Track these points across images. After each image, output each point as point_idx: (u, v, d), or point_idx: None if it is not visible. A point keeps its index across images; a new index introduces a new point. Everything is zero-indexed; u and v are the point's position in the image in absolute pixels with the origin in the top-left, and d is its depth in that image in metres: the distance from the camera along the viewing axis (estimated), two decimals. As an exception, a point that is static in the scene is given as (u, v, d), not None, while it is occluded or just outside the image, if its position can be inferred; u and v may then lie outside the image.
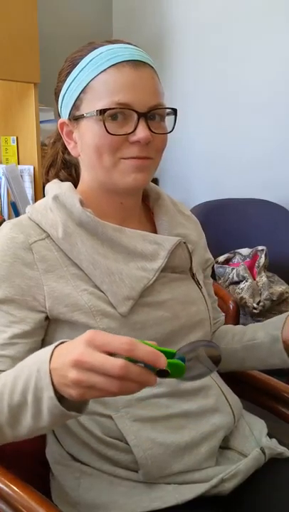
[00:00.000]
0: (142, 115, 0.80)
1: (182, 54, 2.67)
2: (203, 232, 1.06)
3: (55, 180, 0.93)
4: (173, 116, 0.87)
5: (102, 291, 0.82)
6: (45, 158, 0.98)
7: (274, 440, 0.95)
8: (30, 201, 2.18)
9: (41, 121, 2.22)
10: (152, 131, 0.81)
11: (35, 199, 2.22)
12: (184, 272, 0.93)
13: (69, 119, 0.87)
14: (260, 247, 2.06)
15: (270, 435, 0.96)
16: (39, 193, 2.22)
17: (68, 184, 0.89)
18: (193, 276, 0.95)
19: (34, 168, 2.21)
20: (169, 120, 0.87)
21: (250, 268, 2.03)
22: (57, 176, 0.96)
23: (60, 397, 0.62)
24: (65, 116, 0.88)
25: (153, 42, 2.65)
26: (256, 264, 2.03)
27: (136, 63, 0.82)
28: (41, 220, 0.84)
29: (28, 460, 0.94)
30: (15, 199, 2.02)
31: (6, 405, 0.68)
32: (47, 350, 0.64)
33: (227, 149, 2.51)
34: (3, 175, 2.06)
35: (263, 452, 0.90)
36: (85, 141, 0.84)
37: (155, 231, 0.94)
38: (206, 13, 2.56)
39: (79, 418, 0.85)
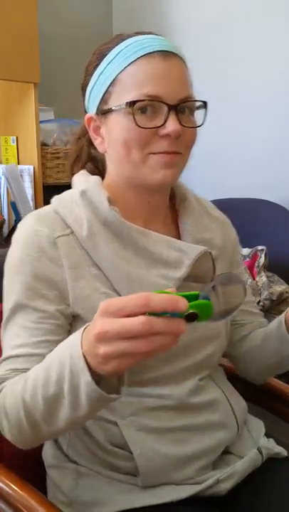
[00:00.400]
0: (172, 107, 0.77)
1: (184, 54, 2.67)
2: (234, 229, 1.00)
3: (83, 172, 0.90)
4: (203, 111, 0.83)
5: (120, 296, 0.78)
6: (69, 155, 0.94)
7: (271, 440, 0.94)
8: (30, 201, 2.18)
9: (41, 121, 2.23)
10: (182, 125, 0.78)
11: (35, 199, 2.22)
12: (206, 282, 0.87)
13: (97, 113, 0.83)
14: (259, 247, 2.06)
15: (267, 435, 0.96)
16: (39, 193, 2.23)
17: (96, 178, 0.86)
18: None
19: (34, 168, 2.21)
20: (198, 115, 0.83)
21: (250, 268, 2.03)
22: (83, 168, 0.92)
23: (97, 380, 0.59)
24: (92, 111, 0.84)
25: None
26: (256, 264, 2.03)
27: (166, 54, 0.78)
28: (66, 215, 0.81)
29: (28, 460, 0.93)
30: (15, 199, 2.03)
31: (41, 398, 0.65)
32: (76, 335, 0.61)
33: (227, 149, 2.51)
34: (3, 175, 2.07)
35: (260, 452, 0.90)
36: (113, 136, 0.81)
37: (178, 234, 0.89)
38: (206, 13, 2.56)
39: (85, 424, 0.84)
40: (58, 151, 2.37)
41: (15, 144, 2.25)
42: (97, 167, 0.91)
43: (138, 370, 0.81)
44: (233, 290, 0.60)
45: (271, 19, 2.31)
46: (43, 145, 2.26)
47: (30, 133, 2.20)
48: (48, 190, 2.23)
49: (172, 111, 0.77)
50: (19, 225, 0.83)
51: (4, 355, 0.79)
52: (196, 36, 2.62)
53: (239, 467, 0.86)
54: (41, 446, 0.94)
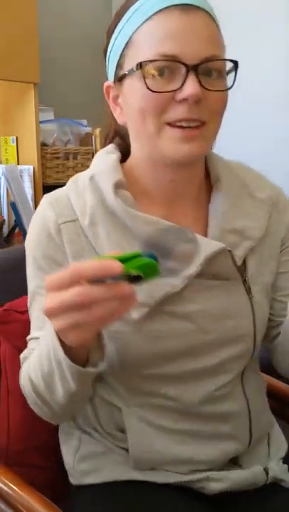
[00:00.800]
0: (191, 68, 0.67)
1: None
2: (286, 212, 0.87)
3: (108, 148, 0.82)
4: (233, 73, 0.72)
5: None
6: (102, 129, 0.88)
7: (285, 466, 0.86)
8: (30, 201, 2.17)
9: (41, 122, 2.23)
10: (205, 88, 0.68)
11: (35, 199, 2.22)
12: (230, 279, 0.78)
13: (114, 81, 0.76)
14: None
15: (285, 460, 0.88)
16: (39, 193, 2.23)
17: (113, 159, 0.79)
18: (244, 282, 0.80)
19: (34, 168, 2.21)
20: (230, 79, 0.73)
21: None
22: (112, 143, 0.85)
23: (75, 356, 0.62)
24: (110, 78, 0.77)
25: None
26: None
27: (187, 7, 0.68)
28: (75, 202, 0.77)
29: (31, 459, 0.94)
30: (14, 199, 2.02)
31: (40, 375, 0.68)
32: None
33: (227, 149, 2.51)
34: (3, 175, 2.06)
35: (267, 473, 0.84)
36: (130, 104, 0.73)
37: (206, 221, 0.80)
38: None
39: (93, 401, 0.84)
40: (58, 151, 2.37)
41: (15, 144, 2.25)
42: (125, 141, 0.83)
43: (138, 364, 0.78)
44: (182, 246, 0.57)
45: (271, 18, 2.31)
46: (42, 145, 2.26)
47: (30, 133, 2.20)
48: (48, 190, 2.20)
49: (192, 72, 0.67)
50: (38, 207, 0.81)
51: (30, 335, 0.81)
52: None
53: (234, 475, 0.81)
54: (52, 441, 0.94)
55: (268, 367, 0.95)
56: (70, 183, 0.80)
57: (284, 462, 0.88)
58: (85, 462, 0.85)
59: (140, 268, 0.53)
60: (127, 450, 0.82)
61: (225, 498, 0.83)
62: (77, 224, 0.76)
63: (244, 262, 0.80)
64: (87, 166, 0.83)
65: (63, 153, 2.39)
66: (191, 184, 0.80)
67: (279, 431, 0.94)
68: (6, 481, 0.78)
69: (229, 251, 0.77)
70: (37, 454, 0.94)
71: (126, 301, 0.52)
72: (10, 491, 0.77)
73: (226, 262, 0.77)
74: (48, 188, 2.24)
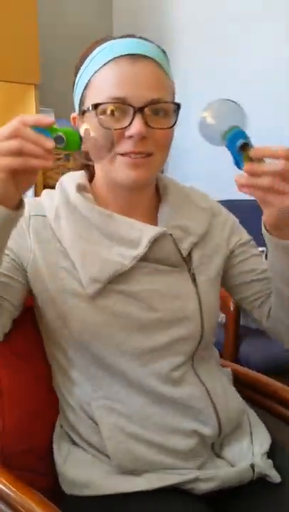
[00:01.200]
0: (138, 110, 0.79)
1: (183, 54, 2.67)
2: (230, 219, 1.00)
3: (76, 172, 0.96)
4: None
5: (78, 272, 0.84)
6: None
7: (270, 462, 0.90)
8: (31, 202, 2.18)
9: (42, 123, 2.23)
10: (150, 126, 0.80)
11: (36, 200, 2.23)
12: (176, 266, 0.89)
13: (79, 114, 0.88)
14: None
15: (270, 453, 0.92)
16: (39, 195, 2.23)
17: (79, 173, 0.93)
18: (189, 271, 0.91)
19: (34, 170, 2.21)
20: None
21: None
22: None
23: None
24: (76, 110, 0.90)
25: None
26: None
27: (134, 57, 0.81)
28: (45, 203, 0.90)
29: (30, 459, 0.93)
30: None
31: None
32: None
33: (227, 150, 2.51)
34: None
35: (253, 469, 0.87)
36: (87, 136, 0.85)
37: (156, 223, 0.92)
38: (206, 12, 2.56)
39: (70, 402, 0.90)
40: (59, 153, 2.36)
41: (15, 145, 2.26)
42: (89, 169, 0.96)
43: (97, 343, 0.84)
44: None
45: (270, 18, 2.32)
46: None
47: (30, 134, 2.20)
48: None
49: (138, 113, 0.79)
50: None
51: None
52: (195, 35, 2.63)
53: (222, 474, 0.85)
54: (48, 445, 0.95)
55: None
56: (43, 193, 0.94)
57: (268, 457, 0.91)
58: (74, 473, 0.87)
59: (65, 132, 0.69)
60: (109, 457, 0.85)
61: (214, 496, 0.85)
62: (46, 220, 0.88)
63: (190, 254, 0.91)
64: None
65: (64, 154, 2.39)
66: (143, 200, 0.92)
67: (261, 424, 0.99)
68: (5, 482, 0.78)
69: (170, 235, 0.88)
70: (33, 456, 0.94)
71: (47, 153, 0.65)
72: (9, 492, 0.76)
73: (170, 247, 0.88)
74: (42, 194, 2.24)
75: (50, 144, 0.65)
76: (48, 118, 0.67)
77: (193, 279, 0.91)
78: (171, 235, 0.88)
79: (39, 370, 0.97)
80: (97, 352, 0.85)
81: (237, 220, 1.03)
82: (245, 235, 1.02)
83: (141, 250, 0.85)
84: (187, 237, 0.90)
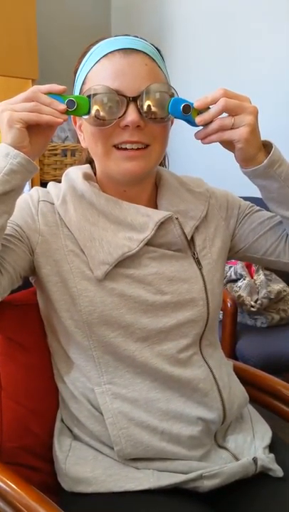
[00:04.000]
0: (131, 99, 0.80)
1: (181, 52, 2.67)
2: (224, 196, 1.03)
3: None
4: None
5: (85, 255, 0.86)
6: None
7: (272, 456, 0.91)
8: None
9: (39, 118, 2.22)
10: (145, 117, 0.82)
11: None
12: (181, 251, 0.92)
13: None
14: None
15: (271, 448, 0.93)
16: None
17: (84, 165, 0.95)
18: (193, 255, 0.94)
19: (32, 165, 2.20)
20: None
21: (248, 266, 2.03)
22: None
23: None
24: None
25: (151, 39, 2.64)
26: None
27: (126, 51, 0.83)
28: (53, 192, 0.92)
29: (28, 456, 0.93)
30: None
31: None
32: None
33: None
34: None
35: (255, 463, 0.87)
36: (86, 130, 0.87)
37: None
38: (204, 10, 2.56)
39: (73, 392, 0.90)
40: (56, 148, 2.36)
41: (12, 140, 2.25)
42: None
43: (106, 323, 0.86)
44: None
45: (270, 17, 2.31)
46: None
47: (28, 129, 2.19)
48: (46, 186, 2.22)
49: (132, 103, 0.80)
50: None
51: None
52: (193, 33, 2.62)
53: (227, 469, 0.85)
54: (45, 441, 0.95)
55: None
56: (49, 184, 0.96)
57: (270, 451, 0.92)
58: (75, 469, 0.87)
59: (76, 97, 0.79)
60: (112, 448, 0.86)
61: (216, 492, 0.85)
62: (54, 207, 0.91)
63: (192, 238, 0.94)
64: (85, 163, 0.94)
65: (61, 149, 2.38)
66: (143, 192, 0.93)
67: (261, 419, 1.01)
68: (5, 479, 0.77)
69: (177, 218, 0.91)
70: (31, 452, 0.93)
71: (60, 114, 0.77)
72: (8, 490, 0.76)
73: (176, 230, 0.90)
74: (45, 185, 2.23)
75: (62, 106, 0.77)
76: (59, 86, 0.78)
77: (198, 262, 0.93)
78: (177, 218, 0.91)
79: (37, 366, 0.97)
80: (105, 335, 0.86)
81: (230, 193, 1.06)
82: (242, 202, 1.05)
83: (148, 233, 0.87)
84: (188, 221, 0.93)
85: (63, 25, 2.68)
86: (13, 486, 0.76)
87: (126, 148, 0.83)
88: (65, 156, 2.40)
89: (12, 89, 2.17)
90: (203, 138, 0.83)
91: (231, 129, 0.80)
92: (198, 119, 0.81)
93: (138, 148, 0.83)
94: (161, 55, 0.90)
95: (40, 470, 0.93)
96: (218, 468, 0.85)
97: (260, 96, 2.35)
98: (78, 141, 0.94)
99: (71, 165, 2.34)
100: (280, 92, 2.33)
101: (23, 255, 0.86)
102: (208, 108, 0.81)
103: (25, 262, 0.87)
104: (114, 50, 0.83)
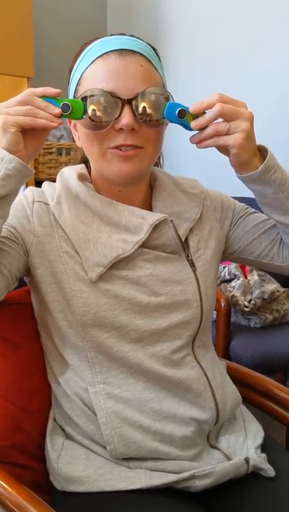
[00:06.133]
0: (126, 101, 0.79)
1: (177, 51, 2.67)
2: (219, 197, 1.03)
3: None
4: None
5: (80, 256, 0.86)
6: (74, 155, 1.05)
7: (264, 455, 0.91)
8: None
9: (34, 116, 2.21)
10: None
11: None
12: (175, 253, 0.92)
13: None
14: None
15: (263, 448, 0.93)
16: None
17: (79, 165, 0.95)
18: (187, 257, 0.94)
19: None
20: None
21: (242, 266, 2.03)
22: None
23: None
24: None
25: (147, 38, 2.64)
26: (248, 263, 2.03)
27: (122, 52, 0.82)
28: (47, 192, 0.92)
29: (20, 456, 0.93)
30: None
31: None
32: None
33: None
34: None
35: (247, 463, 0.87)
36: (81, 131, 0.87)
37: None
38: (200, 11, 2.56)
39: (67, 391, 0.91)
40: (51, 147, 2.36)
41: (7, 138, 2.24)
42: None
43: (99, 325, 0.86)
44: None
45: (264, 16, 2.31)
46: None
47: (22, 127, 2.18)
48: (40, 185, 2.22)
49: (127, 105, 0.79)
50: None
51: None
52: (189, 34, 2.62)
53: (219, 469, 0.85)
54: (37, 440, 0.95)
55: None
56: (43, 184, 0.96)
57: (262, 451, 0.93)
58: (68, 468, 0.87)
59: (71, 101, 0.79)
60: (104, 448, 0.86)
61: (208, 492, 0.85)
62: (48, 207, 0.90)
63: (186, 240, 0.94)
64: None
65: (56, 148, 2.38)
66: (137, 192, 0.93)
67: (253, 419, 1.01)
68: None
69: (171, 221, 0.90)
70: (23, 452, 0.93)
71: (54, 118, 0.76)
72: (-1, 488, 0.76)
73: (170, 233, 0.90)
74: (40, 184, 2.23)
75: (56, 110, 0.76)
76: (54, 89, 0.78)
77: (192, 264, 0.94)
78: (171, 221, 0.91)
79: (30, 364, 0.97)
80: (99, 335, 0.86)
81: (225, 195, 1.06)
82: (237, 204, 1.05)
83: (142, 236, 0.87)
84: (183, 223, 0.93)
85: (60, 23, 2.67)
86: (3, 484, 0.76)
87: (120, 150, 0.82)
88: (60, 154, 2.40)
89: (7, 88, 2.18)
90: (199, 142, 0.82)
91: (226, 134, 0.80)
92: (193, 124, 0.81)
93: (132, 149, 0.83)
94: (157, 55, 0.89)
95: (31, 469, 0.93)
96: (210, 468, 0.85)
97: (255, 99, 2.36)
98: (73, 140, 0.94)
99: (66, 164, 2.36)
100: (275, 96, 2.33)
101: (18, 257, 0.86)
102: (204, 113, 0.81)
103: (20, 263, 0.87)
104: (109, 51, 0.82)
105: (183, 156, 2.34)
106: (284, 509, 0.83)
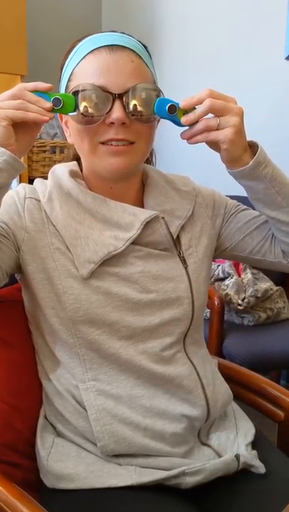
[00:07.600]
0: (117, 96, 0.80)
1: (171, 50, 2.66)
2: (211, 194, 1.03)
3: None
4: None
5: (71, 253, 0.86)
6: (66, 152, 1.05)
7: (254, 452, 0.91)
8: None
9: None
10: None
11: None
12: (167, 250, 0.93)
13: None
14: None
15: (254, 446, 0.93)
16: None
17: (71, 162, 0.95)
18: (179, 254, 0.94)
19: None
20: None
21: (236, 265, 2.03)
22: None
23: None
24: None
25: (142, 37, 2.63)
26: (242, 261, 2.03)
27: (113, 47, 0.83)
28: (39, 189, 0.92)
29: (13, 455, 0.93)
30: None
31: None
32: None
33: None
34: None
35: (238, 460, 0.87)
36: (72, 127, 0.87)
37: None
38: (194, 9, 2.56)
39: (58, 388, 0.90)
40: (45, 145, 2.35)
41: (1, 136, 2.23)
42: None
43: (90, 321, 0.86)
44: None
45: (261, 14, 2.32)
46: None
47: (16, 125, 2.18)
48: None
49: (118, 99, 0.80)
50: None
51: None
52: (184, 32, 2.62)
53: (209, 466, 0.85)
54: (27, 438, 0.94)
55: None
56: (35, 181, 0.96)
57: (253, 448, 0.92)
58: (58, 466, 0.86)
59: (62, 95, 0.79)
60: (95, 445, 0.86)
61: (198, 489, 0.85)
62: (40, 204, 0.90)
63: (178, 237, 0.95)
64: (74, 160, 0.93)
65: (50, 146, 2.37)
66: (129, 189, 0.93)
67: (245, 416, 1.01)
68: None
69: (163, 218, 0.91)
70: (13, 450, 0.93)
71: (45, 112, 0.77)
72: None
73: (162, 230, 0.91)
74: (33, 182, 2.23)
75: (48, 104, 0.77)
76: (45, 84, 0.78)
77: (183, 261, 0.94)
78: (163, 218, 0.91)
79: (21, 362, 0.97)
80: (90, 332, 0.86)
81: (217, 192, 1.06)
82: (229, 201, 1.05)
83: (134, 232, 0.87)
84: (174, 220, 0.93)
85: (53, 21, 2.66)
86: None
87: (111, 144, 0.83)
88: (54, 152, 2.39)
89: (0, 85, 2.17)
90: (189, 138, 0.83)
91: (217, 129, 0.80)
92: (183, 120, 0.81)
93: (124, 145, 0.83)
94: (148, 52, 0.89)
95: (22, 467, 0.93)
96: (201, 464, 0.85)
97: (248, 96, 2.36)
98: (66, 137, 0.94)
99: (60, 162, 2.35)
100: (268, 94, 2.33)
101: (10, 253, 0.86)
102: (194, 108, 0.81)
103: (11, 259, 0.86)
104: (100, 47, 0.83)
105: (175, 154, 2.34)
106: (274, 506, 0.83)
